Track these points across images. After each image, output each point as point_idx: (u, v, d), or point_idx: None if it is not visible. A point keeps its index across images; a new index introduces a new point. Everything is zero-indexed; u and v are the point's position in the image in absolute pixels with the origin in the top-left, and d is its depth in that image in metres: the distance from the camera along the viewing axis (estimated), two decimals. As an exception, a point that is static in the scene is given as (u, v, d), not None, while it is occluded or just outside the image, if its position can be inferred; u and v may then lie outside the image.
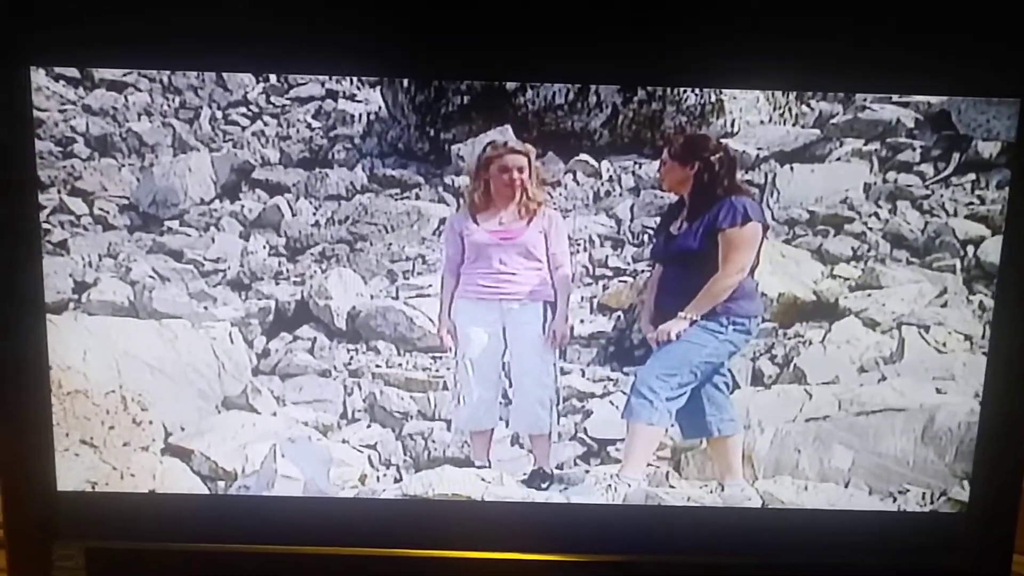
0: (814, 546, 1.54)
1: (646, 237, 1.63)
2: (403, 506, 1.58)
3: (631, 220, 1.64)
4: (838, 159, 1.54)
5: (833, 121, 1.53)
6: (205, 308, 1.60)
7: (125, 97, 1.54)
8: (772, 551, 1.55)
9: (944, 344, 1.55)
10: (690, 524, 1.56)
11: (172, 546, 1.54)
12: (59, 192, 1.53)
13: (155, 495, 1.59)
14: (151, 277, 1.59)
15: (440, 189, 1.59)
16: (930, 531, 1.55)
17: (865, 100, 1.50)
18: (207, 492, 1.60)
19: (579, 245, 1.63)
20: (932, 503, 1.55)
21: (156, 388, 1.59)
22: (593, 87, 1.51)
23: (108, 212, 1.57)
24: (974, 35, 1.36)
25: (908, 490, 1.56)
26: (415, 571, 1.56)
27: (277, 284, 1.62)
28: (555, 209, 1.59)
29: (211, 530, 1.55)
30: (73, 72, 1.49)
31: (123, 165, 1.57)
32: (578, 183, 1.62)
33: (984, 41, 1.36)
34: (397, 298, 1.64)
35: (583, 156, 1.59)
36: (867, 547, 1.55)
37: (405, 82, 1.53)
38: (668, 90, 1.50)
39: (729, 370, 1.59)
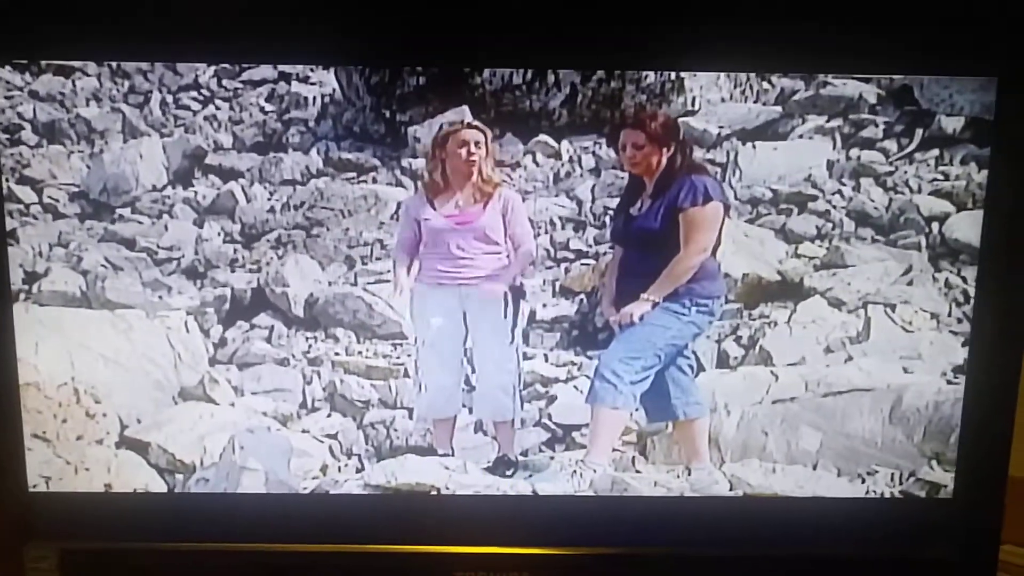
0: (801, 534, 1.53)
1: (607, 218, 1.60)
2: (379, 500, 1.56)
3: (592, 201, 1.62)
4: (800, 136, 1.52)
5: (795, 98, 1.50)
6: (159, 297, 1.57)
7: (73, 82, 1.50)
8: (754, 541, 1.54)
9: (910, 323, 1.54)
10: (661, 514, 1.54)
11: (147, 546, 1.53)
12: (7, 180, 1.50)
13: (132, 494, 1.57)
14: (103, 266, 1.56)
15: (397, 172, 1.56)
16: (916, 518, 1.54)
17: (826, 76, 1.48)
18: (183, 491, 1.58)
19: (540, 227, 1.60)
20: (901, 484, 1.54)
21: (111, 380, 1.56)
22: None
23: (58, 200, 1.54)
24: (951, 14, 1.34)
25: (877, 471, 1.54)
26: (388, 566, 1.54)
27: (233, 272, 1.59)
28: (513, 190, 1.56)
29: (188, 529, 1.53)
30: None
31: (72, 152, 1.53)
32: (538, 164, 1.59)
33: (961, 20, 1.35)
34: (356, 284, 1.61)
35: (542, 137, 1.56)
36: (853, 535, 1.54)
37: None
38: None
39: (694, 352, 1.57)
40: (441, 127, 1.50)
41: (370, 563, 1.54)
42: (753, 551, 1.53)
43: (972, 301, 1.49)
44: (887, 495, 1.54)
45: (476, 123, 1.50)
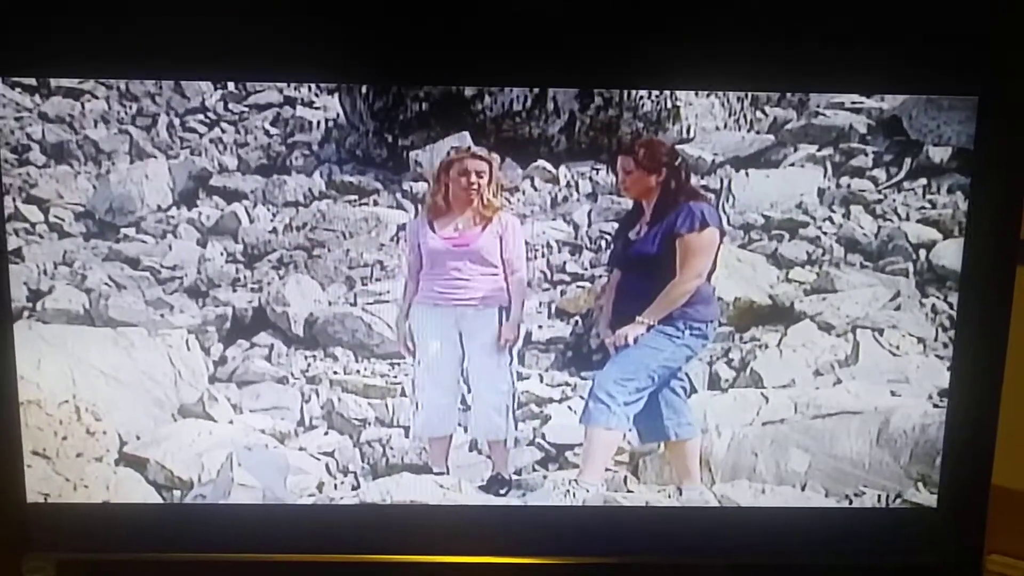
0: (788, 544, 1.56)
1: (603, 242, 1.63)
2: (368, 511, 1.59)
3: (588, 225, 1.65)
4: (792, 164, 1.55)
5: (787, 127, 1.54)
6: (161, 316, 1.59)
7: (82, 104, 1.53)
8: (742, 551, 1.57)
9: (898, 347, 1.57)
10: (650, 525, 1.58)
11: (144, 556, 1.54)
12: (14, 200, 1.52)
13: (129, 506, 1.59)
14: (107, 285, 1.58)
15: (398, 195, 1.59)
16: (901, 530, 1.57)
17: (818, 106, 1.52)
18: (182, 502, 1.59)
19: (537, 251, 1.63)
20: (887, 505, 1.56)
21: (111, 397, 1.58)
22: (551, 93, 1.52)
23: (64, 219, 1.56)
24: (929, 34, 1.38)
25: (864, 492, 1.57)
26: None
27: (234, 291, 1.61)
28: (513, 215, 1.59)
29: (184, 540, 1.55)
30: (29, 79, 1.48)
31: (79, 172, 1.56)
32: (536, 189, 1.62)
33: (940, 40, 1.38)
34: (355, 304, 1.63)
35: (541, 162, 1.59)
36: (840, 545, 1.57)
37: (363, 89, 1.53)
38: (624, 96, 1.51)
39: (686, 374, 1.60)
40: (449, 153, 1.53)
41: (363, 573, 1.56)
42: (741, 561, 1.56)
43: (958, 309, 1.52)
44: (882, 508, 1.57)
45: (481, 152, 1.53)
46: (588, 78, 1.48)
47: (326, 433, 1.63)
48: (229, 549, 1.54)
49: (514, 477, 1.62)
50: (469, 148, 1.53)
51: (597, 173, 1.60)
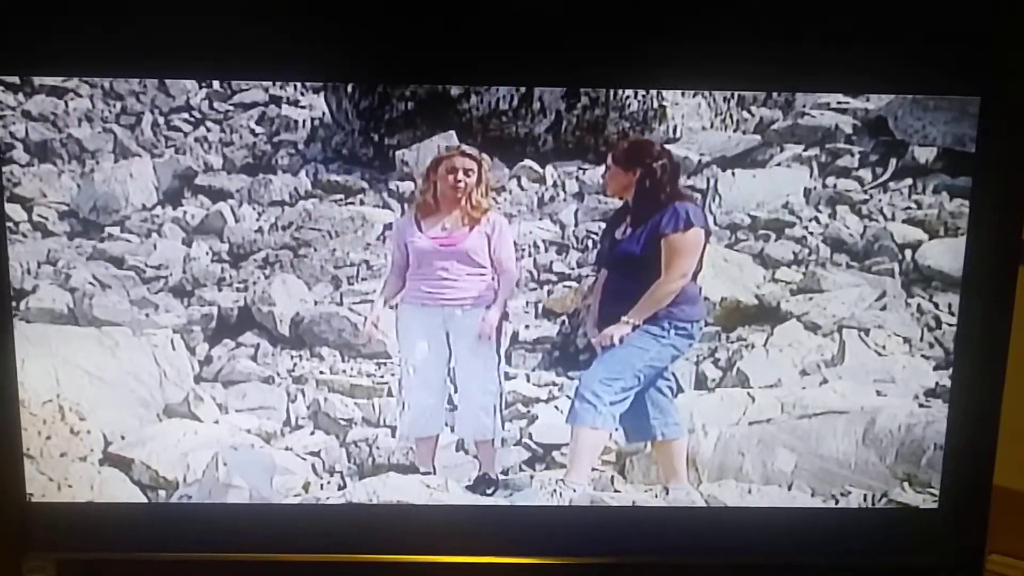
0: (775, 546, 1.56)
1: (590, 242, 1.63)
2: (355, 511, 1.58)
3: (575, 225, 1.65)
4: (778, 164, 1.55)
5: (773, 127, 1.54)
6: (146, 315, 1.58)
7: (66, 103, 1.52)
8: (737, 551, 1.57)
9: (884, 347, 1.57)
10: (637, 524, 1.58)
11: (143, 556, 1.54)
12: (-3, 198, 1.51)
13: (129, 505, 1.58)
14: (91, 284, 1.57)
15: (384, 195, 1.59)
16: (902, 529, 1.57)
17: (804, 106, 1.52)
18: (184, 502, 1.59)
19: (524, 250, 1.63)
20: (873, 504, 1.57)
21: (96, 397, 1.57)
22: (537, 93, 1.52)
23: (47, 218, 1.55)
24: (931, 35, 1.38)
25: (850, 492, 1.57)
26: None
27: (220, 290, 1.61)
28: (502, 215, 1.59)
29: (185, 539, 1.55)
30: (12, 78, 1.47)
31: (63, 171, 1.55)
32: (523, 188, 1.62)
33: (942, 41, 1.38)
34: (341, 304, 1.63)
35: (527, 162, 1.59)
36: (839, 545, 1.57)
37: (349, 88, 1.53)
38: (611, 96, 1.51)
39: (673, 374, 1.60)
40: (439, 149, 1.53)
41: (350, 573, 1.56)
42: (727, 561, 1.56)
43: (960, 309, 1.52)
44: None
45: (470, 151, 1.52)
46: (575, 78, 1.48)
47: (312, 433, 1.63)
48: (229, 549, 1.54)
49: (501, 477, 1.62)
50: (459, 146, 1.53)
51: (584, 173, 1.60)
